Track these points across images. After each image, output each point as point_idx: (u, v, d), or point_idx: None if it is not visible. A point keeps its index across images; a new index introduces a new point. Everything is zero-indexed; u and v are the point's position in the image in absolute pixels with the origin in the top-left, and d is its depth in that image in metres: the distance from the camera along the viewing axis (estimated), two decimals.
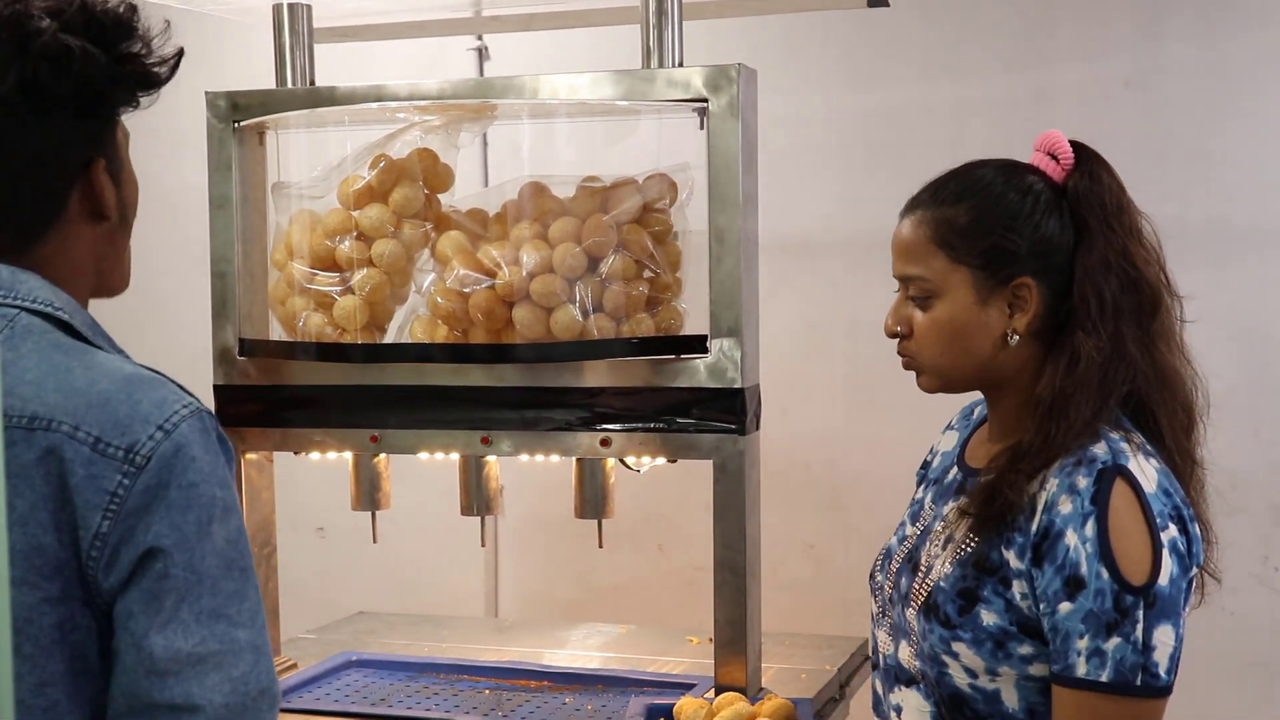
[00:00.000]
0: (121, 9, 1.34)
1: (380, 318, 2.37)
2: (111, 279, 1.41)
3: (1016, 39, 3.23)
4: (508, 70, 3.46)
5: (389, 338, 2.39)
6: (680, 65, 2.22)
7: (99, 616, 1.21)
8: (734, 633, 2.22)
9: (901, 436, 2.78)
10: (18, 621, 1.16)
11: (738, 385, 2.19)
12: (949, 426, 1.87)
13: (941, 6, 3.27)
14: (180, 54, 1.40)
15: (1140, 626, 1.46)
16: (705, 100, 2.17)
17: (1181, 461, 1.61)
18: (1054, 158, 1.65)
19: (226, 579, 1.21)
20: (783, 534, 3.25)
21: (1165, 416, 1.60)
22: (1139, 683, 1.46)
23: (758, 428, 2.27)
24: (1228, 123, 3.10)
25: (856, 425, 3.35)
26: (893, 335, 1.69)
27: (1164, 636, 1.47)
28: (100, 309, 1.39)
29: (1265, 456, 3.10)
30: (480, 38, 3.50)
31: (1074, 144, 1.65)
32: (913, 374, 1.71)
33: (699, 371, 2.21)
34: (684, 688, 2.29)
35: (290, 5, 2.46)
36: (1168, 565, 1.48)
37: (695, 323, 2.27)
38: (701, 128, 2.20)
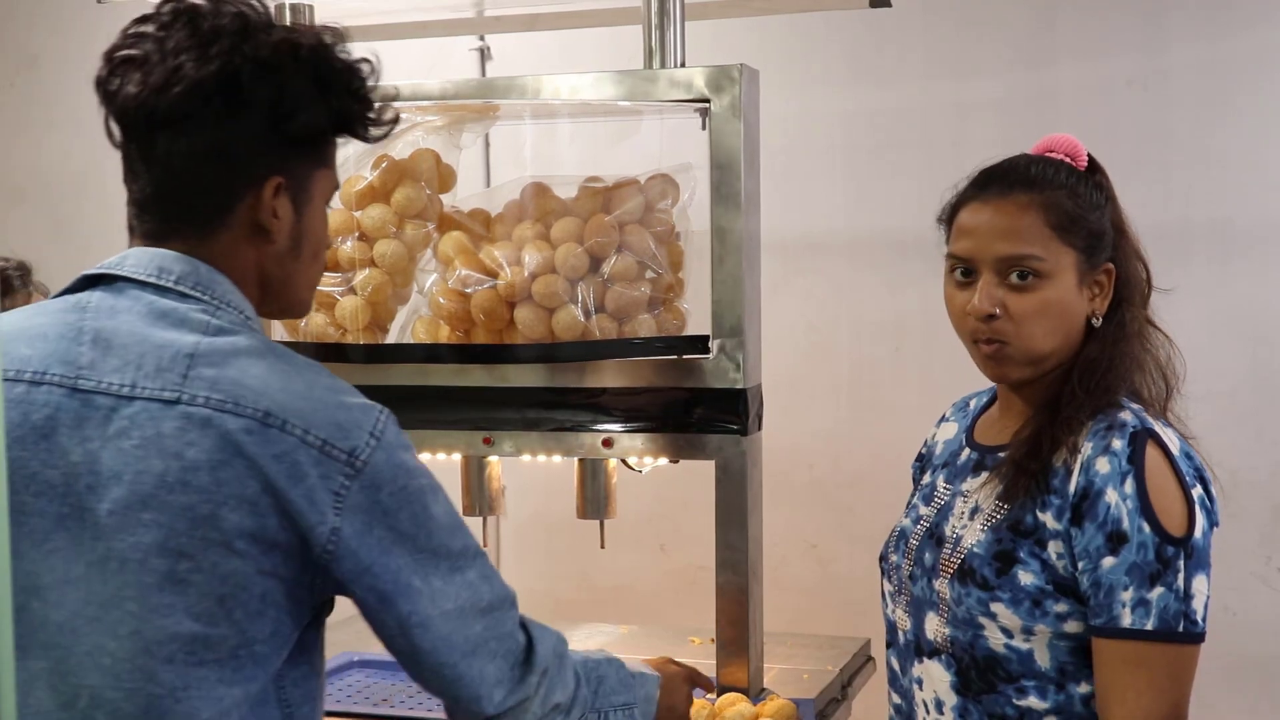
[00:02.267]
0: (358, 60, 1.43)
1: (382, 318, 2.37)
2: (283, 299, 1.46)
3: (1019, 38, 3.23)
4: (510, 70, 3.46)
5: (391, 338, 2.38)
6: (682, 65, 2.22)
7: (311, 593, 1.36)
8: (736, 633, 2.22)
9: (904, 437, 2.77)
10: (232, 587, 1.28)
11: (740, 385, 2.19)
12: (944, 419, 1.91)
13: (943, 6, 3.27)
14: (395, 122, 1.48)
15: (1181, 576, 1.53)
16: (707, 100, 2.17)
17: None
18: (1071, 159, 1.70)
19: (453, 539, 1.39)
20: (785, 534, 3.25)
21: (1149, 387, 1.68)
22: (1181, 629, 1.53)
23: (760, 428, 2.26)
24: (1231, 122, 3.10)
25: (859, 425, 3.35)
26: (988, 317, 1.63)
27: (1200, 586, 1.54)
28: None
29: (1267, 456, 3.10)
30: (483, 38, 3.50)
31: None
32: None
33: (701, 372, 2.21)
34: None
35: (292, 5, 2.46)
36: (1200, 519, 1.56)
37: (697, 323, 2.26)
38: (704, 128, 2.20)
